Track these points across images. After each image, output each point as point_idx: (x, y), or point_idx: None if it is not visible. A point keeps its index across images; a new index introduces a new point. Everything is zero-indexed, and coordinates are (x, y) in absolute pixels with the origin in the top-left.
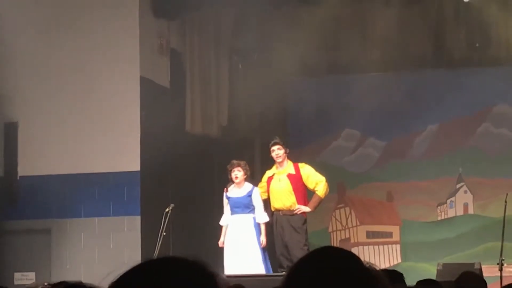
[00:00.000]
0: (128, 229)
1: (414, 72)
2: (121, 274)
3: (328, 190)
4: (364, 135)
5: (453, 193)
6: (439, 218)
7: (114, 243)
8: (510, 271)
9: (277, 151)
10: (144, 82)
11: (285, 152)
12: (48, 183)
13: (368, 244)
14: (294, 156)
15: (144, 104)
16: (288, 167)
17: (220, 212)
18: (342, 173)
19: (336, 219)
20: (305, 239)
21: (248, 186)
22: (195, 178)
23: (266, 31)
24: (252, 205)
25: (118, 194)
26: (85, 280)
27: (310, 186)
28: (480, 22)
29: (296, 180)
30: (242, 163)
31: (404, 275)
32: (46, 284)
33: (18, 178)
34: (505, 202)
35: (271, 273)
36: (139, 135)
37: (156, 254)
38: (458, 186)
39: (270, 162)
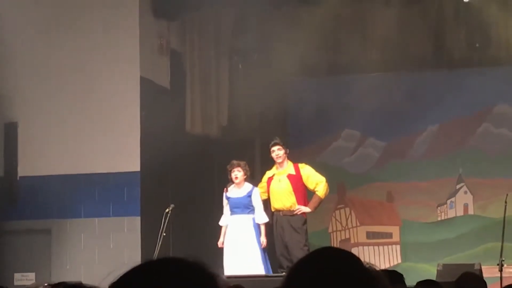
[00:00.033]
0: (128, 230)
1: (414, 72)
2: (121, 275)
3: (328, 190)
4: (364, 135)
5: (453, 194)
6: (439, 219)
7: (114, 243)
8: (510, 271)
9: (277, 152)
10: (144, 82)
11: (285, 153)
12: (48, 183)
13: (368, 244)
14: (294, 156)
15: (144, 104)
16: (288, 167)
17: (220, 212)
18: (342, 173)
19: (336, 219)
20: (305, 239)
21: (248, 186)
22: (195, 178)
23: (266, 31)
24: (252, 206)
25: (118, 194)
26: (85, 280)
27: (310, 186)
28: (480, 22)
29: (296, 181)
30: (242, 163)
31: (404, 276)
32: (46, 284)
33: (18, 178)
34: (505, 202)
35: (271, 273)
36: (139, 135)
37: (156, 254)
38: (458, 186)
39: (270, 163)
